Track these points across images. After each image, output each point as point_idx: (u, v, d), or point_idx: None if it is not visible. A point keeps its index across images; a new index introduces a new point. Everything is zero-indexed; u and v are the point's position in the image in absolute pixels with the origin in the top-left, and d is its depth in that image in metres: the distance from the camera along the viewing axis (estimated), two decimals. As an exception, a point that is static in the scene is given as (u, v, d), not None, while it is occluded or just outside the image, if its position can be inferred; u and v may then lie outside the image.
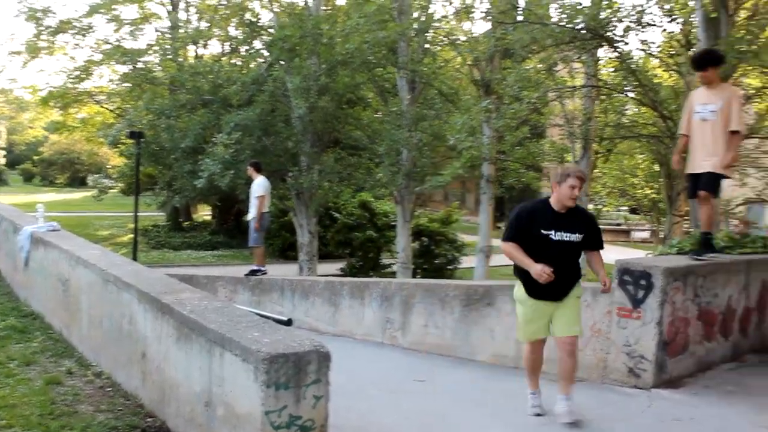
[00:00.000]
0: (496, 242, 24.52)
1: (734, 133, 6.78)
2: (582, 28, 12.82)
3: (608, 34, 13.05)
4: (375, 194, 25.04)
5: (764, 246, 8.32)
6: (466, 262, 25.22)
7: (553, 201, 5.21)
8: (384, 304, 9.09)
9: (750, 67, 11.36)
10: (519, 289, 5.39)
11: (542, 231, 5.13)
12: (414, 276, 21.50)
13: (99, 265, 6.40)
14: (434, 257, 25.50)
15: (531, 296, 5.28)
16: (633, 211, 40.27)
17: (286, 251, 27.32)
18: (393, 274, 22.19)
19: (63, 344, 7.07)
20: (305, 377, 3.82)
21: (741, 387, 6.31)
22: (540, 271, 5.02)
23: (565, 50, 14.43)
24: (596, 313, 6.60)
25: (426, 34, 19.66)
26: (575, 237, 5.21)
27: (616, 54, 13.88)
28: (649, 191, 23.04)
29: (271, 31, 20.67)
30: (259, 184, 12.43)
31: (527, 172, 20.98)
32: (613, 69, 16.61)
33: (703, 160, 6.91)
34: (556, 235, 5.14)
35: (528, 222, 5.16)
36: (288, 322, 4.92)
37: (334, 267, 25.30)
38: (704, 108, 6.89)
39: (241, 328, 4.31)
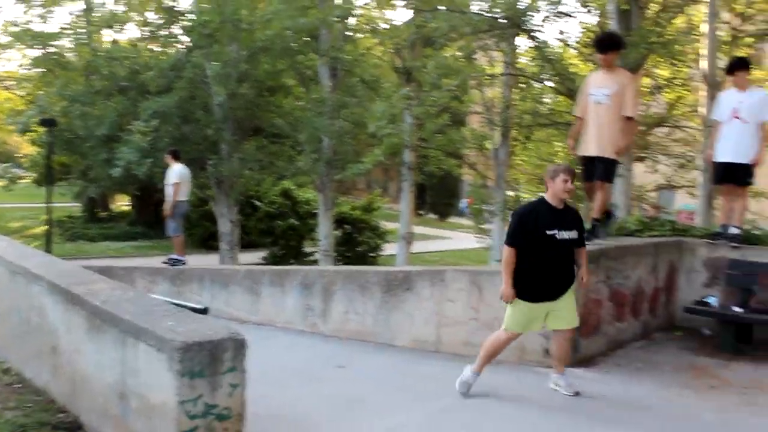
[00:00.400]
0: (418, 229, 24.70)
1: (628, 119, 6.84)
2: (500, 18, 13.04)
3: (526, 23, 13.32)
4: (297, 182, 24.89)
5: (672, 229, 8.69)
6: (389, 249, 25.40)
7: (549, 197, 5.29)
8: (305, 292, 9.06)
9: (660, 58, 11.78)
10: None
11: (547, 231, 5.18)
12: (336, 264, 21.52)
13: (5, 256, 6.17)
14: (357, 245, 25.58)
15: (532, 301, 5.34)
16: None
17: (207, 241, 26.86)
18: (315, 263, 22.15)
19: (-32, 340, 6.78)
20: (221, 365, 3.78)
21: (649, 364, 6.59)
22: (507, 295, 5.33)
23: (483, 38, 14.65)
24: (513, 296, 6.75)
25: (347, 21, 19.61)
26: (574, 234, 5.33)
27: (534, 43, 14.17)
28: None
29: (190, 16, 20.21)
30: (174, 171, 12.33)
31: (448, 159, 21.21)
32: (530, 58, 16.98)
33: (596, 144, 6.93)
34: (560, 234, 5.22)
35: (533, 223, 5.19)
36: (204, 311, 4.87)
37: (256, 256, 25.06)
38: (599, 91, 6.90)
39: (156, 317, 4.22)
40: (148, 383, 3.95)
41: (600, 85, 6.91)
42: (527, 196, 26.13)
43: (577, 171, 6.64)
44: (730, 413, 5.20)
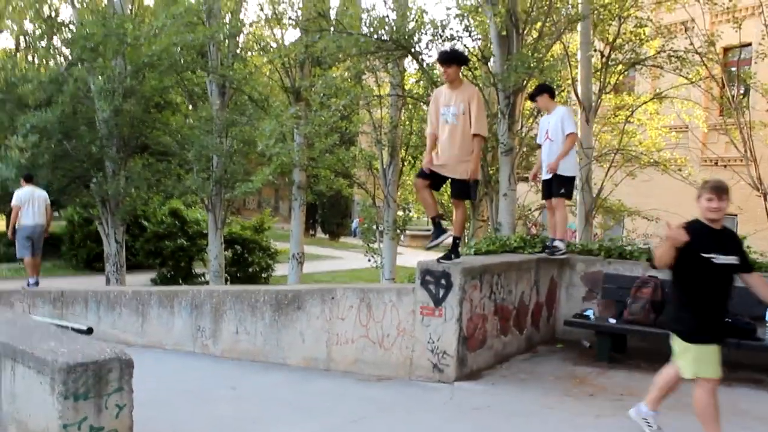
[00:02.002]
0: (309, 249, 24.55)
1: (475, 136, 6.71)
2: (387, 40, 13.30)
3: (411, 46, 13.65)
4: (186, 202, 24.32)
5: (551, 246, 9.06)
6: (280, 269, 25.19)
7: (701, 218, 4.63)
8: (194, 312, 8.89)
9: (537, 81, 12.37)
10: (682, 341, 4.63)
11: (703, 254, 4.48)
12: (227, 285, 21.15)
13: None
14: (248, 265, 25.21)
15: (700, 342, 4.54)
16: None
17: (92, 262, 25.80)
18: (206, 284, 21.69)
19: None
20: (106, 386, 3.69)
21: (533, 375, 6.87)
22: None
23: (371, 60, 14.88)
24: (401, 312, 6.89)
25: (236, 39, 19.47)
26: (734, 260, 4.58)
27: (419, 66, 14.52)
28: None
29: (72, 27, 19.50)
30: (16, 194, 12.63)
31: (338, 179, 21.31)
32: (417, 80, 17.35)
33: (451, 166, 6.79)
34: (719, 259, 4.51)
35: (692, 243, 4.41)
36: (88, 331, 4.72)
37: (144, 278, 24.28)
38: (447, 110, 6.80)
39: (36, 338, 4.07)
40: (27, 408, 3.80)
41: (447, 104, 6.82)
42: (416, 215, 26.64)
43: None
44: (605, 417, 5.50)
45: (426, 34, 13.58)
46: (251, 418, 5.60)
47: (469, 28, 14.13)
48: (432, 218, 7.24)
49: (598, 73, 15.84)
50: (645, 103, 17.77)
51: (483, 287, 6.91)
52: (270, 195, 52.76)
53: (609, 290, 7.98)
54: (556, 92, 9.93)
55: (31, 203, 12.58)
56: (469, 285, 6.62)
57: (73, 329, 4.51)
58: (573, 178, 8.33)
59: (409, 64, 16.34)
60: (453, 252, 6.85)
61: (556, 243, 8.25)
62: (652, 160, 18.50)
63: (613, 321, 7.46)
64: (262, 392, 6.63)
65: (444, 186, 7.44)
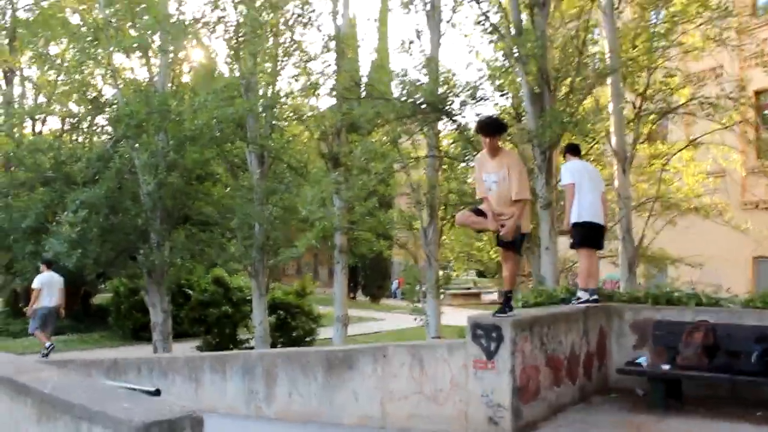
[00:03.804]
0: (352, 311, 24.69)
1: (516, 201, 6.91)
2: (422, 103, 13.66)
3: (446, 108, 13.98)
4: (228, 270, 24.71)
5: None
6: (323, 333, 25.25)
7: None
8: (246, 376, 9.03)
9: (572, 135, 12.56)
10: None
11: None
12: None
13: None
14: (291, 330, 25.30)
15: None
16: (480, 274, 42.05)
17: (138, 332, 26.14)
18: (251, 349, 21.82)
19: None
20: (180, 443, 3.83)
21: (590, 424, 6.83)
22: None
23: (407, 124, 15.24)
24: (453, 367, 6.96)
25: (273, 110, 20.04)
26: None
27: (455, 126, 14.82)
28: (494, 255, 24.28)
29: (115, 106, 20.31)
30: (37, 278, 14.39)
31: (378, 241, 21.55)
32: (452, 140, 17.67)
33: (500, 222, 6.98)
34: None
35: None
36: (156, 393, 4.88)
37: (190, 345, 24.49)
38: (488, 177, 7.04)
39: (110, 400, 4.24)
40: (105, 468, 3.93)
41: (489, 171, 7.05)
42: (457, 274, 26.68)
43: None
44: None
45: (459, 96, 13.90)
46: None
47: (502, 88, 14.44)
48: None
49: (631, 123, 15.99)
50: (680, 150, 17.84)
51: (533, 339, 6.94)
52: (309, 260, 53.15)
53: (659, 337, 7.94)
54: (584, 147, 10.21)
55: (50, 287, 14.19)
56: (519, 337, 6.67)
57: (142, 391, 4.68)
58: (576, 225, 8.55)
59: (444, 125, 16.66)
60: (506, 306, 6.95)
61: (578, 293, 8.42)
62: (691, 207, 18.44)
63: (666, 367, 7.41)
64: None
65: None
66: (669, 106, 16.19)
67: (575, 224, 8.51)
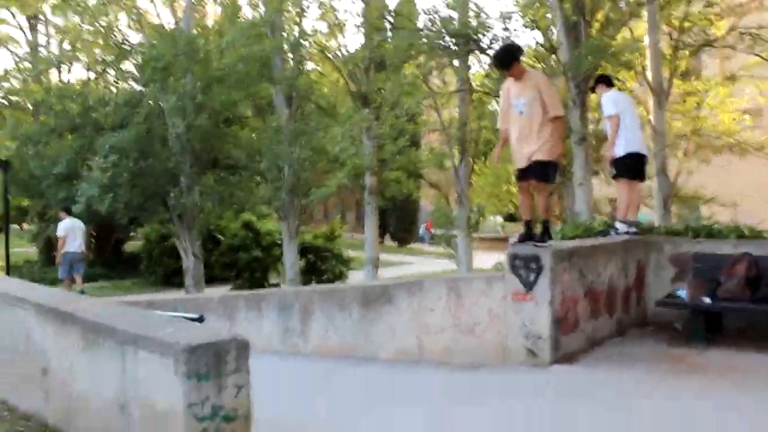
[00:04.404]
0: (380, 256, 24.65)
1: (556, 118, 6.78)
2: (454, 35, 13.36)
3: (480, 42, 13.67)
4: (258, 213, 24.84)
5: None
6: (353, 276, 25.41)
7: None
8: (282, 313, 9.05)
9: (609, 65, 12.23)
10: None
11: None
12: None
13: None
14: (321, 273, 25.53)
15: None
16: (509, 217, 41.78)
17: (170, 277, 26.48)
18: (283, 291, 22.04)
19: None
20: (225, 366, 3.81)
21: (628, 356, 6.77)
22: None
23: (438, 57, 14.91)
24: (492, 299, 6.89)
25: (300, 48, 19.79)
26: None
27: (487, 59, 14.49)
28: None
29: (142, 50, 20.20)
30: (60, 225, 14.72)
31: (408, 182, 21.42)
32: (485, 75, 17.32)
33: (527, 151, 6.83)
34: None
35: None
36: (200, 319, 4.90)
37: (222, 290, 24.80)
38: (518, 102, 6.84)
39: (154, 326, 4.24)
40: (151, 391, 3.95)
41: (517, 95, 6.87)
42: (486, 216, 26.56)
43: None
44: (712, 390, 5.40)
45: (491, 29, 13.59)
46: (350, 407, 5.69)
47: (533, 22, 14.07)
48: (525, 221, 7.21)
49: (668, 57, 15.55)
50: (716, 85, 17.34)
51: (572, 270, 6.84)
52: (335, 206, 53.24)
53: (699, 270, 7.77)
54: (622, 79, 9.92)
55: (73, 232, 14.56)
56: (559, 267, 6.58)
57: (186, 318, 4.69)
58: (623, 159, 8.31)
59: (472, 62, 16.33)
60: (544, 235, 6.85)
61: (616, 224, 8.31)
62: (727, 145, 18.04)
63: (707, 300, 7.28)
64: (358, 383, 6.72)
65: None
66: (707, 39, 15.66)
67: (619, 157, 8.31)
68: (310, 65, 21.36)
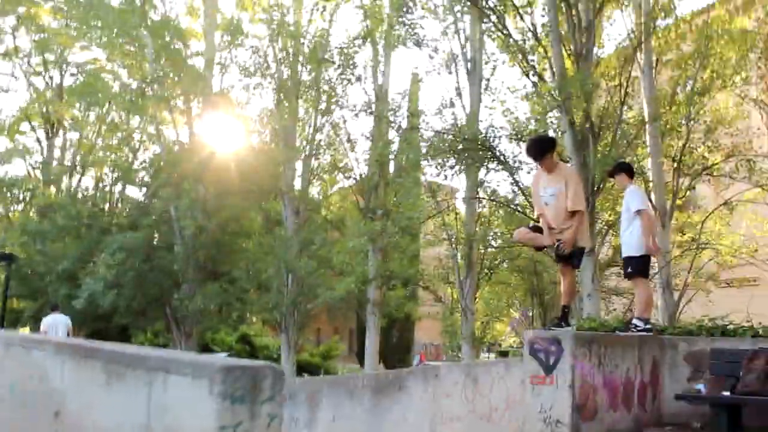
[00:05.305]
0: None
1: (575, 212, 7.02)
2: (465, 140, 13.79)
3: (495, 147, 14.10)
4: (255, 331, 24.65)
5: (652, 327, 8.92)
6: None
7: None
8: (287, 403, 8.85)
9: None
10: None
11: None
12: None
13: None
14: (316, 392, 24.90)
15: None
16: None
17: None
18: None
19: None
20: (261, 393, 3.73)
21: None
22: None
23: (448, 166, 15.23)
24: (510, 384, 6.79)
25: (311, 163, 20.28)
26: None
27: (503, 166, 14.74)
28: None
29: (153, 156, 20.77)
30: (43, 320, 15.16)
31: (407, 302, 21.41)
32: (497, 183, 17.71)
33: (556, 237, 7.09)
34: None
35: None
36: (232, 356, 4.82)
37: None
38: (545, 192, 7.12)
39: (183, 356, 4.19)
40: (180, 417, 3.84)
41: (546, 185, 7.15)
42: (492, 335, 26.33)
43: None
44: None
45: (505, 133, 14.04)
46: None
47: (548, 126, 14.58)
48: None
49: (669, 183, 15.98)
50: (714, 210, 17.62)
51: (592, 356, 6.78)
52: (329, 331, 52.52)
53: (717, 366, 7.69)
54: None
55: (54, 328, 14.80)
56: (579, 352, 6.52)
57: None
58: (642, 258, 7.97)
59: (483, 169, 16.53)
60: (563, 320, 6.86)
61: (635, 321, 8.19)
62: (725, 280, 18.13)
63: (727, 394, 7.16)
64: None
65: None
66: (707, 162, 16.17)
67: (639, 257, 8.21)
68: (320, 177, 21.78)
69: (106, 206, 21.15)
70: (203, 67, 20.48)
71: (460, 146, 13.68)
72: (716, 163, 16.19)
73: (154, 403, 4.03)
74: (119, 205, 19.81)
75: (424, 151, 14.06)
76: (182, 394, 3.85)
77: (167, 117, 20.72)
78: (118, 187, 24.35)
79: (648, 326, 8.31)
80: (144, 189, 21.79)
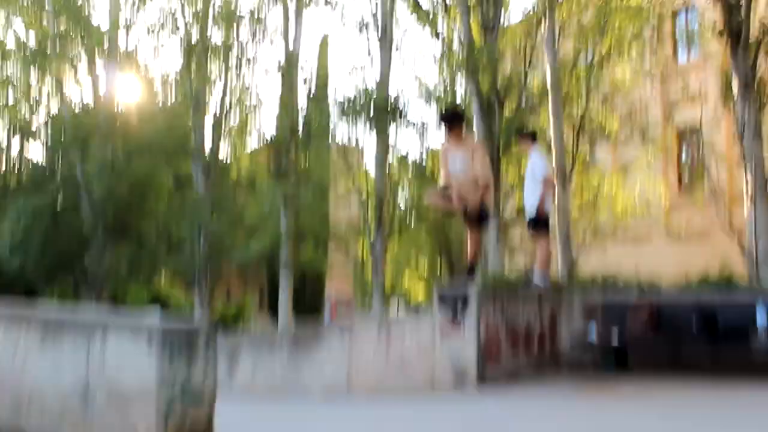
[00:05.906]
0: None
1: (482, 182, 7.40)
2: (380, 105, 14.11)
3: (404, 111, 14.48)
4: (165, 290, 24.42)
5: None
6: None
7: None
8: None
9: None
10: None
11: None
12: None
13: None
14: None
15: None
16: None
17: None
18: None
19: None
20: (196, 351, 4.07)
21: (546, 387, 7.26)
22: None
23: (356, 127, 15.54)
24: (421, 335, 7.31)
25: (221, 125, 20.14)
26: None
27: (414, 129, 15.14)
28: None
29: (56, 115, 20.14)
30: None
31: (318, 256, 21.80)
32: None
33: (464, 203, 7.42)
34: None
35: None
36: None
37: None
38: (454, 161, 7.46)
39: (121, 317, 4.45)
40: (119, 372, 4.12)
41: (455, 155, 7.49)
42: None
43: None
44: (626, 403, 5.96)
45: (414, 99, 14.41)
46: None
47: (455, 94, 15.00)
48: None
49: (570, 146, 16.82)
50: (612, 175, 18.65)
51: (496, 307, 7.38)
52: (239, 289, 52.27)
53: (608, 316, 8.47)
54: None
55: None
56: (484, 304, 7.10)
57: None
58: (544, 218, 8.42)
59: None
60: (470, 274, 7.38)
61: (535, 272, 8.76)
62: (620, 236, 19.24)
63: (615, 340, 7.94)
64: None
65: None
66: (603, 132, 17.07)
67: (537, 216, 8.76)
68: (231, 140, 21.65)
69: (2, 167, 20.30)
70: (108, 27, 19.88)
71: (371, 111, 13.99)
72: (613, 130, 17.12)
73: (93, 359, 4.31)
74: (19, 167, 19.05)
75: (334, 115, 14.30)
76: (122, 350, 4.16)
77: (70, 76, 20.03)
78: (16, 148, 23.56)
79: (546, 284, 8.99)
80: (46, 148, 21.09)
